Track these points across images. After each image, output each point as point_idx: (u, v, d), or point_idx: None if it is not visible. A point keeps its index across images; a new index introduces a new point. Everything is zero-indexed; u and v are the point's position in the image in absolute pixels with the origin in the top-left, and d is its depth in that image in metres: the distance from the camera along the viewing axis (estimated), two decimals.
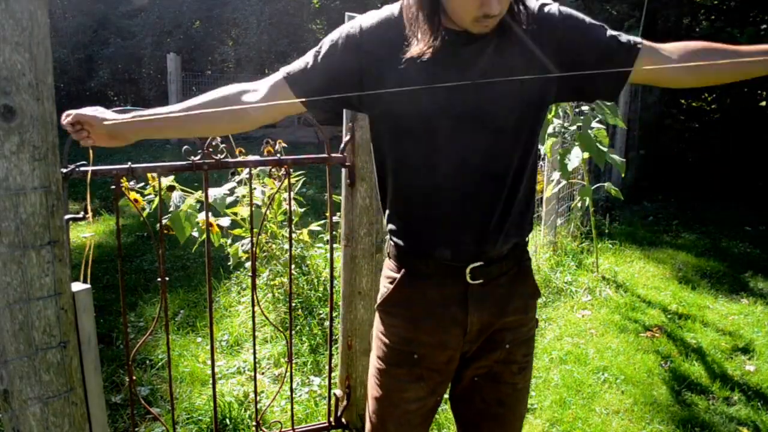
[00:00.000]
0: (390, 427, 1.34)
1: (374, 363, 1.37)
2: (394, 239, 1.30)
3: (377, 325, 1.37)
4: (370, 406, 1.39)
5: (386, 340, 1.33)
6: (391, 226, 1.31)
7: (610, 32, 1.20)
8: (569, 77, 1.17)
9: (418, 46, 1.14)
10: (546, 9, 1.19)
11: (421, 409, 1.33)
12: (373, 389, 1.37)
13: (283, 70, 1.26)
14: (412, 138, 1.20)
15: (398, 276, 1.30)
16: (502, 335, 1.30)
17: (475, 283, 1.24)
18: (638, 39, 1.19)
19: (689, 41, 1.20)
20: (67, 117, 1.19)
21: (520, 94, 1.16)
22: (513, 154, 1.20)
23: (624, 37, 1.20)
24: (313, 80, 1.23)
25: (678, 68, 1.18)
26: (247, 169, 2.34)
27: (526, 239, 1.34)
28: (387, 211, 1.31)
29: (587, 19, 1.21)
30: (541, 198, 4.35)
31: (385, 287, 1.33)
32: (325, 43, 1.24)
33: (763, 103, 7.39)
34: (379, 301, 1.35)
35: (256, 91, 1.26)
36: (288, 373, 2.11)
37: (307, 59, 1.25)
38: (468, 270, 1.23)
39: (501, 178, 1.20)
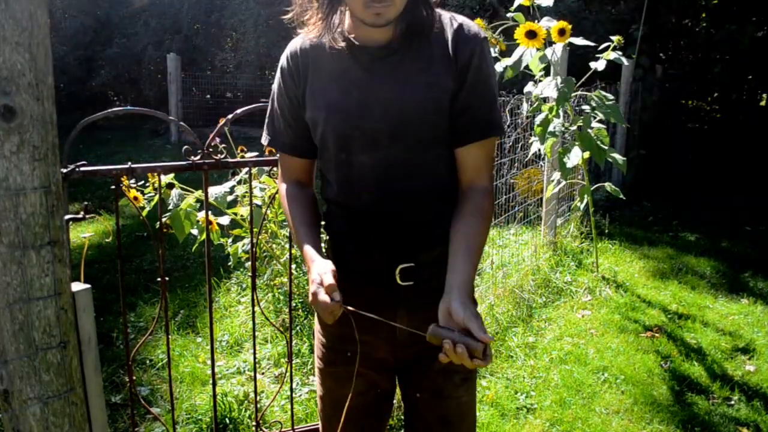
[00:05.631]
0: (336, 424, 1.35)
1: (315, 362, 1.40)
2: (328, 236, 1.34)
3: (315, 325, 1.39)
4: (318, 404, 1.42)
5: (323, 339, 1.35)
6: (327, 226, 1.35)
7: (490, 101, 1.19)
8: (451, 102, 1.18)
9: (307, 28, 1.19)
10: (465, 32, 1.18)
11: (362, 404, 1.33)
12: (317, 388, 1.40)
13: (265, 138, 1.32)
14: (332, 152, 1.23)
15: None
16: None
17: (404, 284, 1.24)
18: (491, 128, 1.20)
19: (474, 203, 1.19)
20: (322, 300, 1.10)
21: (430, 106, 1.17)
22: (424, 166, 1.21)
23: (488, 116, 1.19)
24: (285, 132, 1.29)
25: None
26: (247, 168, 2.33)
27: None
28: (324, 211, 1.35)
29: (491, 76, 1.20)
30: (541, 198, 4.35)
31: None
32: (274, 91, 1.29)
33: (764, 103, 7.40)
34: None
35: (283, 183, 1.33)
36: (288, 373, 2.11)
37: (269, 116, 1.31)
38: (397, 271, 1.23)
39: (421, 190, 1.22)
